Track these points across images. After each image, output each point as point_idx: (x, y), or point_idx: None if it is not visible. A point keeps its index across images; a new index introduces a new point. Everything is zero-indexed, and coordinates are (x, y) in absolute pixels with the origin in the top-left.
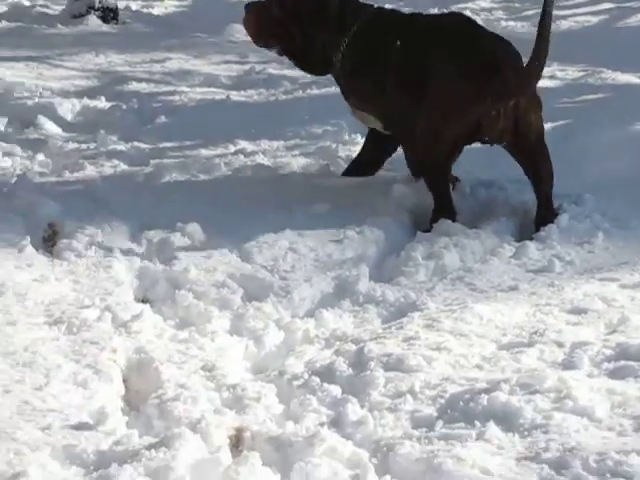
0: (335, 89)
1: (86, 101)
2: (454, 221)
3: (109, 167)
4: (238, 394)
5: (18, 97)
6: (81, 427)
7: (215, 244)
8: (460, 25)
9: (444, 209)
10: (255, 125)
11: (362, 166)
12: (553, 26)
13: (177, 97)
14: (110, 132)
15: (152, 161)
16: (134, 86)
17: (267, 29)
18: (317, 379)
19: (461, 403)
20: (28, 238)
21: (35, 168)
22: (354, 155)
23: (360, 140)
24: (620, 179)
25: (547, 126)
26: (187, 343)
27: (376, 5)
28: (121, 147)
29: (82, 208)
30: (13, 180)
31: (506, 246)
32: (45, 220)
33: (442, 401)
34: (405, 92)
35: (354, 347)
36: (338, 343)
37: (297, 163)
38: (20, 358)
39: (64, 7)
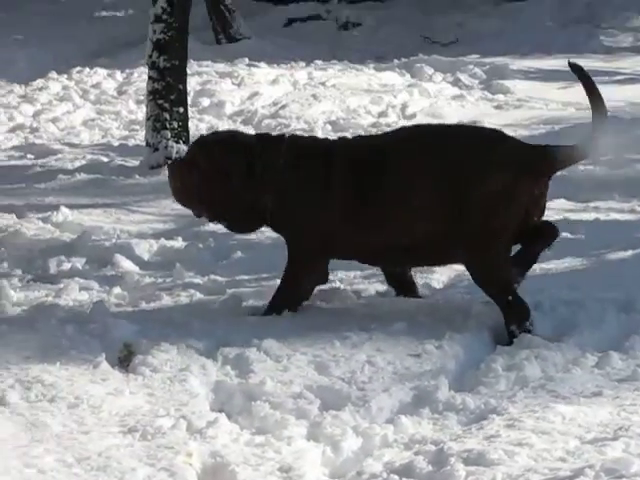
0: None
1: (163, 241)
2: (530, 314)
3: (185, 297)
4: None
5: (96, 239)
6: None
7: (291, 359)
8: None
9: (518, 304)
10: None
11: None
12: None
13: (253, 235)
14: (186, 267)
15: (228, 290)
16: (211, 227)
17: (193, 192)
18: (396, 477)
19: None
20: (103, 355)
21: (112, 300)
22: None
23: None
24: None
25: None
26: (263, 447)
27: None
28: (197, 280)
29: (157, 330)
30: (89, 309)
31: (588, 356)
32: (121, 341)
33: None
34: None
35: (434, 447)
36: (417, 446)
37: (374, 288)
38: (94, 463)
39: (141, 160)
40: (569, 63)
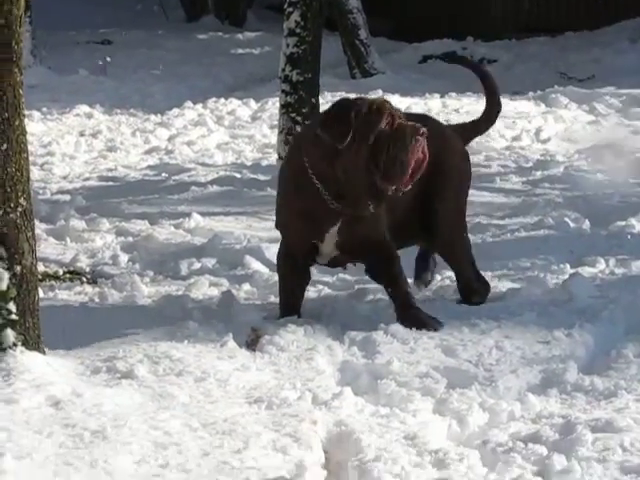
0: None
1: None
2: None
3: (314, 292)
4: (440, 457)
5: (226, 243)
6: None
7: (418, 342)
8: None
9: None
10: None
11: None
12: None
13: None
14: (317, 269)
15: (356, 286)
16: None
17: None
18: (522, 444)
19: None
20: (230, 334)
21: (241, 294)
22: (562, 280)
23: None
24: None
25: None
26: (388, 418)
27: None
28: (327, 279)
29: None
30: (218, 298)
31: None
32: (248, 325)
33: None
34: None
35: (561, 420)
36: (545, 420)
37: (504, 286)
38: (219, 427)
39: (272, 174)
40: (446, 57)
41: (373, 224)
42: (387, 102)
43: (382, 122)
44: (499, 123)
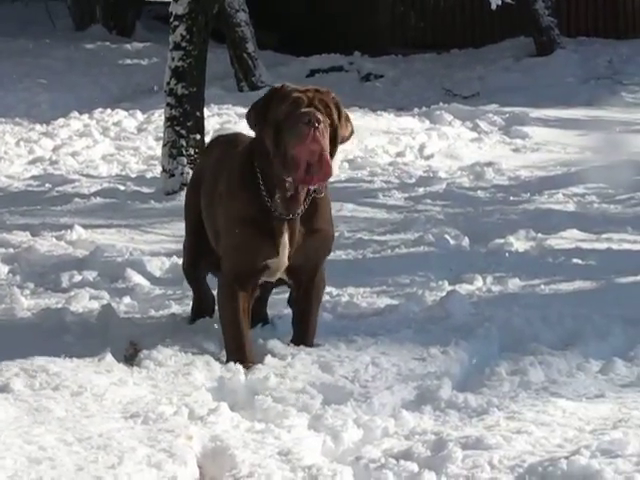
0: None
1: (175, 259)
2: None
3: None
4: (313, 473)
5: (108, 256)
6: None
7: (296, 357)
8: None
9: None
10: (340, 274)
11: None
12: None
13: None
14: None
15: None
16: None
17: None
18: (394, 460)
19: (540, 469)
20: (108, 349)
21: (121, 307)
22: (439, 298)
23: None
24: None
25: None
26: (263, 433)
27: None
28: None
29: (164, 330)
30: (98, 312)
31: (592, 362)
32: (126, 339)
33: (520, 470)
34: None
35: (434, 437)
36: (417, 436)
37: (383, 302)
38: (94, 442)
39: (157, 187)
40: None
41: (324, 236)
42: (307, 91)
43: (279, 109)
44: (384, 139)
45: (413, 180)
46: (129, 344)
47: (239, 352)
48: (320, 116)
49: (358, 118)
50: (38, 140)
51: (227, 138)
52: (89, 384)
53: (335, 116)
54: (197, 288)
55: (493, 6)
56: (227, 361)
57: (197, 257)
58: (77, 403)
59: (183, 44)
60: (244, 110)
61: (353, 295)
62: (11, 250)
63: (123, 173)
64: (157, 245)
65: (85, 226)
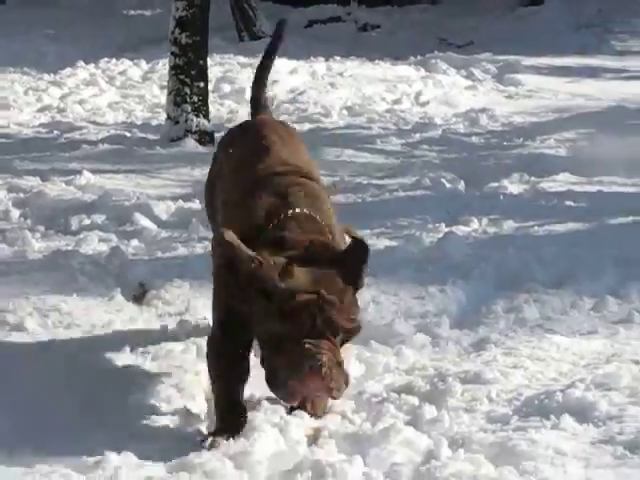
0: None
1: (180, 203)
2: None
3: (200, 248)
4: None
5: (116, 200)
6: None
7: None
8: None
9: None
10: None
11: None
12: None
13: None
14: (203, 224)
15: None
16: None
17: None
18: (395, 394)
19: (536, 401)
20: (118, 289)
21: (129, 250)
22: (437, 239)
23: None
24: None
25: None
26: None
27: None
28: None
29: (171, 271)
30: (107, 254)
31: (586, 300)
32: (135, 280)
33: (517, 402)
34: None
35: (433, 372)
36: (417, 372)
37: (382, 244)
38: (105, 376)
39: (161, 134)
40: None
41: None
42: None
43: (274, 309)
44: (381, 87)
45: (410, 126)
46: (138, 285)
47: (232, 416)
48: (328, 356)
49: (356, 67)
50: (46, 89)
51: (243, 136)
52: (100, 322)
53: (345, 318)
54: None
55: None
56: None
57: None
58: (88, 340)
59: None
60: (245, 59)
61: None
62: (22, 195)
63: (129, 120)
64: (163, 189)
65: (93, 171)
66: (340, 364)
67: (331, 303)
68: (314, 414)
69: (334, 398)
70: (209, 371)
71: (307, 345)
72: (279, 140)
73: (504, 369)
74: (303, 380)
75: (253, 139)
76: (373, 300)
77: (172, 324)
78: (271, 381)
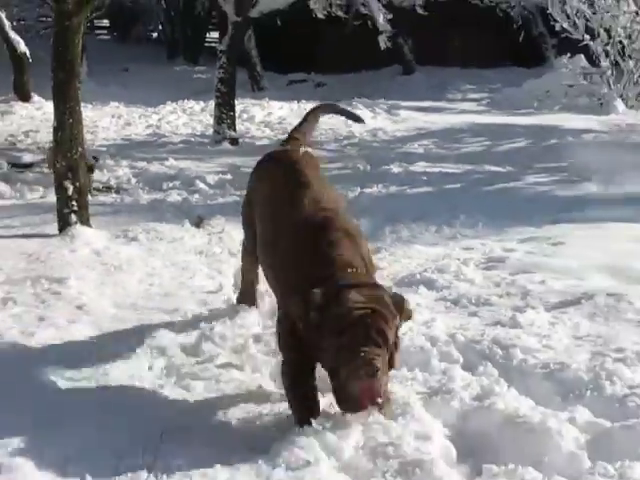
0: None
1: (220, 176)
2: None
3: (230, 200)
4: None
5: (187, 173)
6: None
7: None
8: None
9: None
10: None
11: None
12: None
13: None
14: (233, 187)
15: None
16: None
17: None
18: None
19: (406, 279)
20: (187, 219)
21: (193, 200)
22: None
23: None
24: None
25: None
26: None
27: None
28: None
29: (216, 210)
30: (180, 202)
31: (431, 227)
32: (196, 214)
33: (398, 278)
34: None
35: None
36: None
37: None
38: (179, 265)
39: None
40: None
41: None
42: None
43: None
44: (327, 115)
45: (341, 137)
46: (197, 217)
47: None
48: (380, 362)
49: (312, 105)
50: (150, 115)
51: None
52: (177, 236)
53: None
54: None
55: (382, 46)
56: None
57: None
58: (171, 246)
59: (224, 65)
60: (255, 101)
61: None
62: (137, 170)
63: (193, 132)
64: (211, 169)
65: (175, 158)
66: (386, 372)
67: (383, 316)
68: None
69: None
70: (287, 394)
71: (362, 354)
72: (312, 173)
73: (390, 262)
74: (363, 385)
75: (289, 170)
76: None
77: (215, 238)
78: (339, 399)
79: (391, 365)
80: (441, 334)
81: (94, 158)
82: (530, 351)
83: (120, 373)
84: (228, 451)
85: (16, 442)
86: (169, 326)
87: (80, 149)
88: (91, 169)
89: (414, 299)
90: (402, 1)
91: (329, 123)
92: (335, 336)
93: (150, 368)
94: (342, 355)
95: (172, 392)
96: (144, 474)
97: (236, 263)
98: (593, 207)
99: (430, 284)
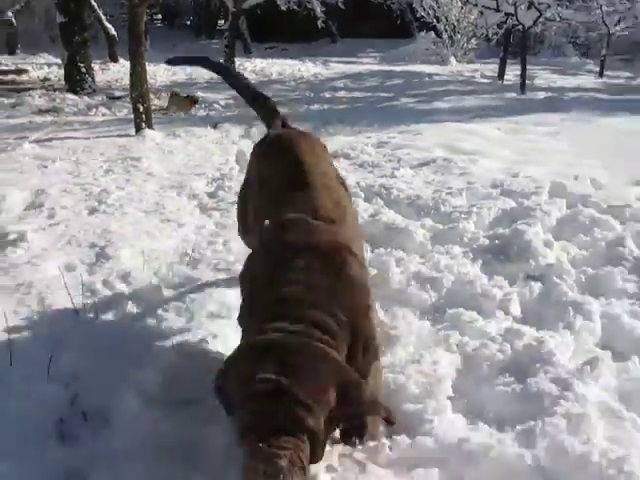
0: None
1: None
2: None
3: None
4: None
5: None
6: None
7: None
8: None
9: None
10: None
11: None
12: None
13: None
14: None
15: None
16: None
17: None
18: None
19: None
20: (209, 125)
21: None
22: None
23: None
24: None
25: None
26: None
27: None
28: None
29: (227, 121)
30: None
31: (388, 149)
32: (213, 122)
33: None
34: None
35: None
36: None
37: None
38: (204, 149)
39: None
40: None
41: None
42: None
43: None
44: (295, 67)
45: (297, 77)
46: (214, 123)
47: None
48: (289, 458)
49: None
50: (186, 69)
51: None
52: (202, 134)
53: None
54: None
55: (319, 26)
56: None
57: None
58: (199, 139)
59: (227, 38)
60: (246, 59)
61: None
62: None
63: (211, 76)
64: (222, 95)
65: (202, 91)
66: (303, 469)
67: (293, 395)
68: None
69: None
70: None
71: (262, 446)
72: (317, 167)
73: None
74: None
75: (290, 157)
76: None
77: (224, 135)
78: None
79: (313, 459)
80: (352, 182)
81: (194, 96)
82: (401, 190)
83: (172, 205)
84: None
85: None
86: (199, 182)
87: (145, 86)
88: (195, 101)
89: (337, 164)
90: None
91: (290, 70)
92: (238, 407)
93: (189, 202)
94: (242, 441)
95: (200, 220)
96: None
97: (236, 148)
98: (439, 115)
99: (346, 156)
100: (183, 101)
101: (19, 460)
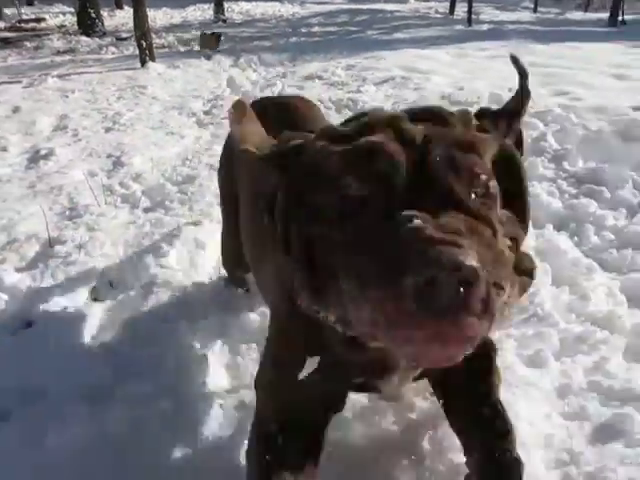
0: None
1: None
2: None
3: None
4: None
5: None
6: None
7: None
8: None
9: None
10: None
11: None
12: None
13: None
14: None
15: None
16: None
17: None
18: None
19: None
20: (202, 56)
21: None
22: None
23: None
24: None
25: None
26: None
27: None
28: None
29: (225, 52)
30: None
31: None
32: (207, 54)
33: None
34: None
35: None
36: None
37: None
38: (203, 77)
39: None
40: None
41: None
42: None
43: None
44: (282, 7)
45: (277, 16)
46: (208, 55)
47: None
48: (473, 256)
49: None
50: (182, 13)
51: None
52: (198, 65)
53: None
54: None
55: None
56: None
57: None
58: (195, 69)
59: None
60: (233, 2)
61: None
62: (176, 38)
63: (204, 16)
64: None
65: (195, 29)
66: (499, 259)
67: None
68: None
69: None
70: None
71: (430, 254)
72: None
73: (300, 65)
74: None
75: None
76: None
77: (216, 64)
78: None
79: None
80: (325, 98)
81: (218, 33)
82: (365, 102)
83: (174, 122)
84: None
85: None
86: (197, 103)
87: (147, 26)
88: (219, 38)
89: (312, 85)
90: None
91: (271, 10)
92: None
93: (188, 119)
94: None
95: (198, 132)
96: None
97: (227, 75)
98: (399, 44)
99: (320, 77)
100: (209, 38)
101: None
